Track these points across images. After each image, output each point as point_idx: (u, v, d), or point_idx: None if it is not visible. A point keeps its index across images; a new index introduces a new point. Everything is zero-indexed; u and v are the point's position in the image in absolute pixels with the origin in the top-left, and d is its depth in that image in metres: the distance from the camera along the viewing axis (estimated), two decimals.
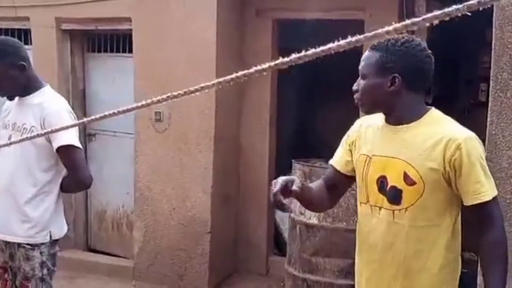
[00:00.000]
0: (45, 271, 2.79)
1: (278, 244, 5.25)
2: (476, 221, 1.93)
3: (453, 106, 5.40)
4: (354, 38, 0.86)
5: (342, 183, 2.20)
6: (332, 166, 2.20)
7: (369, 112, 2.07)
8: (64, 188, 2.87)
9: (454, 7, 0.71)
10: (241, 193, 5.10)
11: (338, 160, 2.18)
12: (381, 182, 1.97)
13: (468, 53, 5.23)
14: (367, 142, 2.06)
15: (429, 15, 0.73)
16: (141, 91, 4.80)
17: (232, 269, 5.09)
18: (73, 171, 2.78)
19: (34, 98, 2.79)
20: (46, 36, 5.25)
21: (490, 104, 2.97)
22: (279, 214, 5.26)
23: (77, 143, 2.75)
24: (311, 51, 0.86)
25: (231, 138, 4.99)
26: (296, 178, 2.00)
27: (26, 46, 5.48)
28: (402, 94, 1.94)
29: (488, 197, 1.88)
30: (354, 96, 2.03)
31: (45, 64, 5.06)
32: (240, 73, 0.93)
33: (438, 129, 1.93)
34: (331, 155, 4.45)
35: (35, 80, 2.84)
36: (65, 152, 2.72)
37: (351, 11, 4.69)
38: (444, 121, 1.97)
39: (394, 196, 1.94)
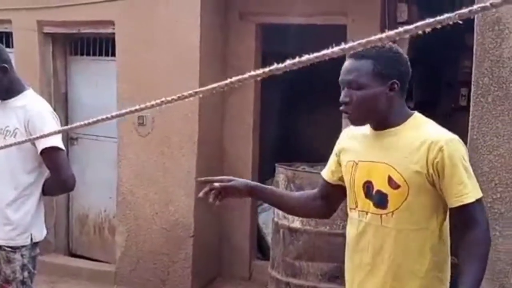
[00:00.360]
0: (26, 274, 2.75)
1: (261, 248, 5.24)
2: (459, 223, 1.94)
3: (435, 111, 5.43)
4: (348, 45, 0.85)
5: (333, 192, 2.20)
6: (321, 176, 2.23)
7: (361, 125, 2.03)
8: (47, 190, 2.84)
9: (446, 15, 0.71)
10: None
11: (326, 170, 2.21)
12: (367, 187, 1.98)
13: (449, 57, 5.27)
14: (355, 149, 2.07)
15: (421, 23, 0.73)
16: (124, 95, 4.77)
17: (215, 273, 5.06)
18: (56, 173, 2.76)
19: (17, 101, 2.77)
20: (28, 39, 5.19)
21: (471, 109, 2.99)
22: (262, 218, 5.25)
23: (61, 145, 2.74)
24: (305, 57, 0.85)
25: (214, 142, 4.97)
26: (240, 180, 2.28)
27: (8, 49, 5.41)
28: (396, 99, 1.95)
29: (471, 199, 1.87)
30: (343, 109, 1.99)
31: (27, 67, 4.99)
32: (235, 78, 0.92)
33: (421, 132, 1.93)
34: (314, 159, 4.47)
35: (18, 83, 2.81)
36: (49, 154, 2.70)
37: (334, 16, 4.70)
38: (427, 124, 1.98)
39: (380, 200, 1.94)
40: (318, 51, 0.85)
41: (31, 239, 2.76)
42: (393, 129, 1.97)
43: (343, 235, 3.54)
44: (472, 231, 1.89)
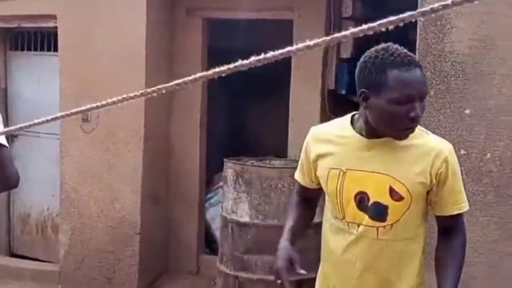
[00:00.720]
0: None
1: (208, 243, 5.21)
2: (446, 228, 1.93)
3: None
4: (312, 42, 0.84)
5: (315, 194, 2.13)
6: (300, 185, 2.11)
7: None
8: None
9: (409, 13, 0.71)
10: (172, 193, 5.02)
11: (303, 177, 2.08)
12: (361, 199, 1.87)
13: None
14: (338, 155, 1.91)
15: (384, 20, 0.73)
16: (67, 91, 4.64)
17: (162, 269, 4.99)
18: None
19: None
20: None
21: None
22: (210, 213, 5.23)
23: (4, 141, 2.64)
24: (270, 53, 0.83)
25: (161, 138, 4.91)
26: (294, 254, 1.96)
27: None
28: None
29: (466, 207, 1.92)
30: (412, 123, 1.77)
31: None
32: (188, 78, 0.90)
33: (419, 141, 1.86)
34: (262, 154, 4.48)
35: None
36: None
37: (281, 11, 4.72)
38: (421, 132, 1.90)
39: (378, 213, 1.86)
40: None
41: None
42: (386, 138, 1.85)
43: None
44: (459, 237, 1.92)
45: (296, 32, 4.63)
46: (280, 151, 4.79)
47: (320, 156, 1.95)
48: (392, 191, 1.83)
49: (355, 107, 6.24)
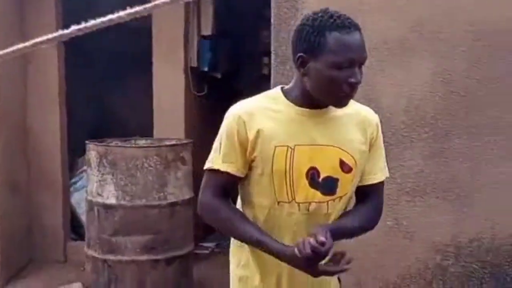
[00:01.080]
0: None
1: (75, 229, 5.03)
2: (368, 197, 1.86)
3: (240, 80, 5.63)
4: (152, 4, 0.83)
5: (234, 186, 1.84)
6: (228, 173, 1.75)
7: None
8: None
9: None
10: (32, 178, 4.74)
11: (233, 164, 1.75)
12: (312, 175, 1.73)
13: (249, 30, 5.46)
14: (281, 131, 1.73)
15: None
16: None
17: (27, 259, 4.75)
18: None
19: None
20: None
21: (272, 76, 3.14)
22: (75, 198, 5.04)
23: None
24: (91, 22, 0.81)
25: (16, 117, 4.58)
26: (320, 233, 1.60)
27: None
28: None
29: (388, 173, 1.91)
30: (352, 90, 1.66)
31: None
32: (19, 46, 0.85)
33: (352, 109, 1.79)
34: (127, 135, 4.37)
35: None
36: None
37: None
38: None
39: (330, 187, 1.75)
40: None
41: None
42: (326, 108, 1.75)
43: (159, 207, 3.57)
44: (378, 204, 1.88)
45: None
46: (146, 131, 4.70)
47: (260, 133, 1.71)
48: (342, 164, 1.74)
49: (219, 83, 6.30)
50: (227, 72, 5.28)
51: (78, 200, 4.90)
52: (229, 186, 1.81)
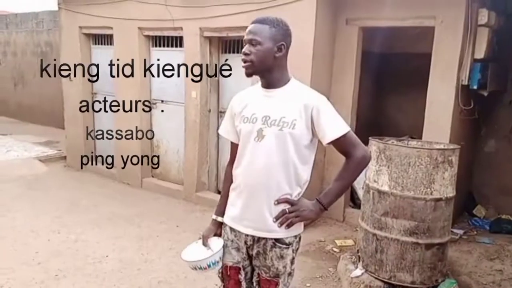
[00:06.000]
0: (293, 266, 1.92)
1: (353, 199, 4.66)
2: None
3: (503, 97, 4.48)
4: None
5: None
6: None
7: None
8: None
9: None
10: (326, 159, 4.53)
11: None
12: None
13: None
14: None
15: None
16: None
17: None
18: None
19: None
20: (193, 41, 4.95)
21: None
22: None
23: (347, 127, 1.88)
24: None
25: None
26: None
27: (181, 48, 5.25)
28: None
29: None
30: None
31: (192, 61, 4.73)
32: None
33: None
34: (397, 134, 3.77)
35: None
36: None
37: (424, 19, 3.90)
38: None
39: None
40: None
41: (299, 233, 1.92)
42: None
43: (425, 200, 2.93)
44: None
45: (437, 37, 3.80)
46: (413, 133, 4.07)
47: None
48: None
49: (485, 100, 5.05)
50: (493, 91, 4.21)
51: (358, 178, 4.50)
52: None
